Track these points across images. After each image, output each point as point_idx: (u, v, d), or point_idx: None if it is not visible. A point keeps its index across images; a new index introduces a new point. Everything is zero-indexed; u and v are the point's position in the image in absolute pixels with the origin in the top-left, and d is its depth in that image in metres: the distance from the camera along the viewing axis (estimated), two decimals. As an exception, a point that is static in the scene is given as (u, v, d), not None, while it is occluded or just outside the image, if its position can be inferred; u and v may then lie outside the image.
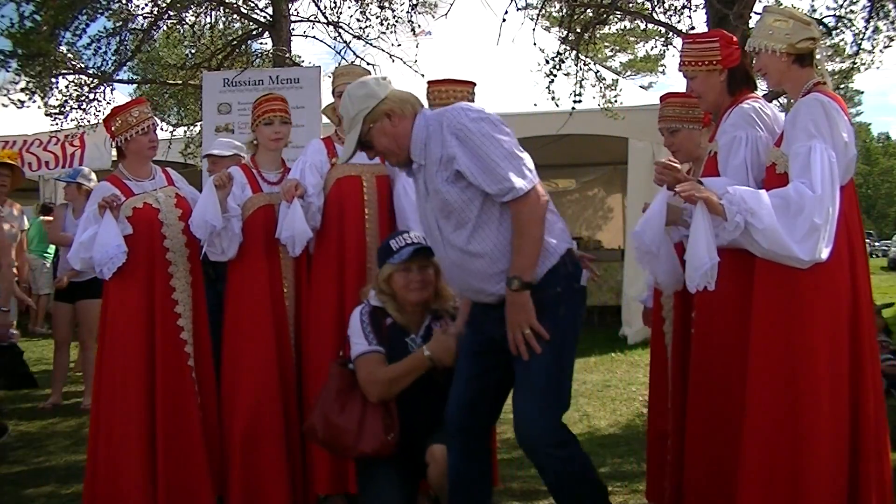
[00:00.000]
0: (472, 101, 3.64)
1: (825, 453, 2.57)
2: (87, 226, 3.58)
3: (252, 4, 7.66)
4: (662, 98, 3.52)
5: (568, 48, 7.02)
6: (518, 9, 6.93)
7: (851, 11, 6.67)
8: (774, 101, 5.10)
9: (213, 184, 3.59)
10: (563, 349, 2.77)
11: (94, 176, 6.14)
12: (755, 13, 5.91)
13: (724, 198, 2.58)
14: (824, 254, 2.56)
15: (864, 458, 2.64)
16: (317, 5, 7.74)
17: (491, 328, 2.84)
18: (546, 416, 2.73)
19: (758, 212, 2.54)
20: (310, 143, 3.91)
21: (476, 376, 2.91)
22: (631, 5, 7.61)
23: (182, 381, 3.64)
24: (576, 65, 7.10)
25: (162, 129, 9.20)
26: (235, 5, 7.59)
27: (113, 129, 3.74)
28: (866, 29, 6.58)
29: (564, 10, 7.34)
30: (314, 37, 8.66)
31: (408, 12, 7.46)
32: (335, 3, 7.76)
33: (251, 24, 7.78)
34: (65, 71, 7.08)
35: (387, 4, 7.46)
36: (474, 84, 3.82)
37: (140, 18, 7.42)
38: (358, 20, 7.63)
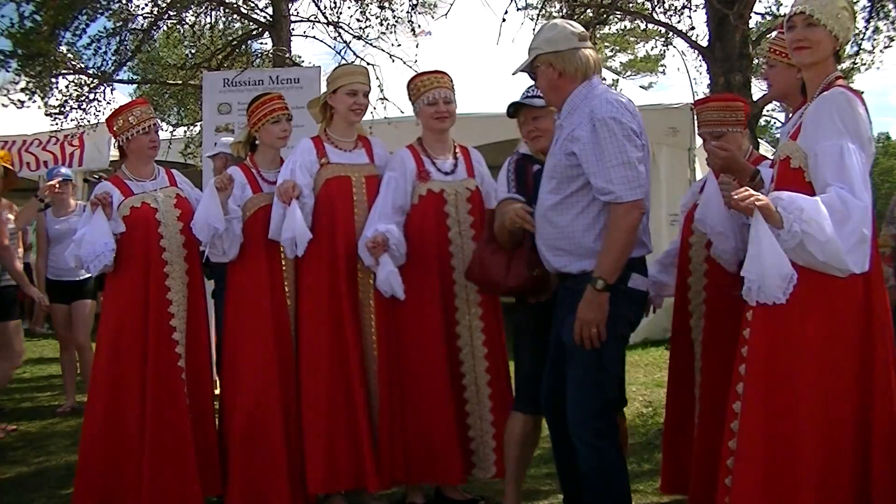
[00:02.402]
0: (453, 90, 3.86)
1: (810, 457, 2.49)
2: (84, 223, 3.60)
3: (252, 4, 7.65)
4: (699, 102, 3.53)
5: (568, 48, 7.00)
6: (518, 9, 6.92)
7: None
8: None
9: (214, 186, 3.60)
10: (603, 344, 2.92)
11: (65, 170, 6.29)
12: (755, 13, 5.91)
13: (778, 205, 2.44)
14: (868, 264, 2.48)
15: (876, 461, 2.55)
16: (317, 5, 7.73)
17: (557, 326, 3.10)
18: (584, 408, 2.95)
19: (820, 222, 2.40)
20: (299, 142, 3.90)
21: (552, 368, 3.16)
22: (631, 5, 7.60)
23: (170, 381, 3.64)
24: (576, 65, 7.07)
25: (162, 129, 9.15)
26: (235, 5, 7.59)
27: (115, 128, 3.77)
28: (866, 29, 6.56)
29: (564, 11, 7.32)
30: (314, 37, 8.63)
31: (408, 12, 7.45)
32: (335, 3, 7.75)
33: (251, 24, 7.77)
34: (65, 71, 7.07)
35: (387, 4, 7.44)
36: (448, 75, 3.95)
37: (140, 18, 7.40)
38: (358, 20, 7.61)
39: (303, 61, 8.01)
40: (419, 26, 8.00)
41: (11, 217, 5.53)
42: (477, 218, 3.84)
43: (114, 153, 9.36)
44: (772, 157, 3.24)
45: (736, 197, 2.49)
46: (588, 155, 2.88)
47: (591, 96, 2.95)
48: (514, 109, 3.55)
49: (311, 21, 7.89)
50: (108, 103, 7.20)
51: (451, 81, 3.92)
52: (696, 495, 3.39)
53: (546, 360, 3.24)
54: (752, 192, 2.50)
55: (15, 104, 6.92)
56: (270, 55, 7.52)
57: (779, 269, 2.44)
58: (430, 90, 3.81)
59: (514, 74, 3.22)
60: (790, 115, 2.97)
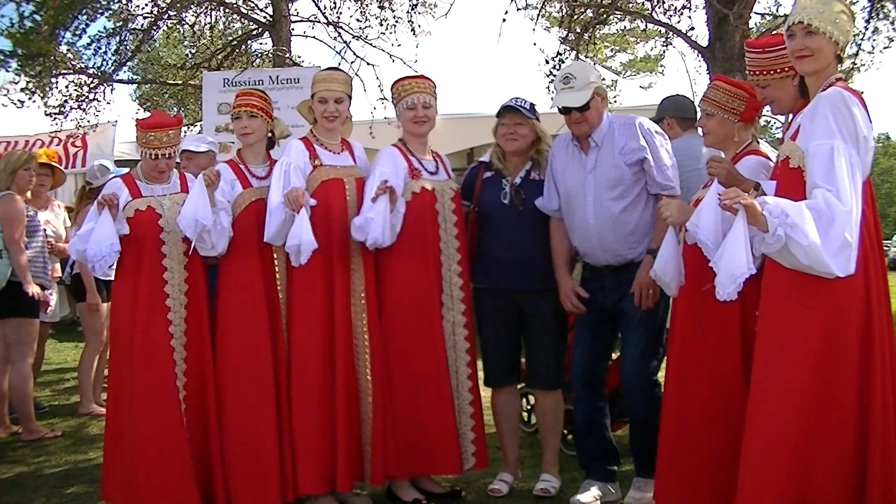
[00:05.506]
0: (435, 94, 3.93)
1: (784, 459, 2.50)
2: (91, 219, 3.61)
3: (252, 4, 7.67)
4: (714, 79, 3.50)
5: (568, 48, 7.04)
6: (518, 9, 6.93)
7: (851, 12, 6.67)
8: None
9: (202, 182, 3.57)
10: (658, 312, 3.59)
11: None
12: (755, 13, 5.92)
13: (763, 209, 2.46)
14: (853, 267, 2.48)
15: (871, 461, 2.53)
16: (317, 5, 7.75)
17: (603, 298, 3.66)
18: (650, 363, 3.60)
19: (802, 227, 2.42)
20: (289, 143, 3.88)
21: (592, 343, 3.74)
22: (631, 5, 7.62)
23: (165, 388, 3.61)
24: (576, 65, 7.11)
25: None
26: (235, 5, 7.61)
27: None
28: (866, 29, 6.58)
29: (564, 10, 7.34)
30: (314, 37, 8.63)
31: (408, 12, 7.47)
32: (335, 3, 7.78)
33: (251, 24, 7.80)
34: (65, 71, 7.10)
35: (387, 4, 7.47)
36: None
37: (140, 18, 7.43)
38: (358, 20, 7.65)
39: (303, 61, 8.04)
40: (419, 26, 8.02)
41: (62, 210, 5.40)
42: (459, 218, 3.90)
43: (117, 153, 9.38)
44: (765, 150, 3.27)
45: (722, 196, 2.53)
46: (652, 162, 3.57)
47: (622, 117, 3.64)
48: (502, 111, 3.88)
49: (311, 21, 7.92)
50: (107, 103, 7.23)
51: (434, 86, 3.94)
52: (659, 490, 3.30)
53: (580, 338, 3.76)
54: (739, 192, 2.53)
55: (15, 104, 6.93)
56: (270, 55, 7.54)
57: (731, 268, 2.50)
58: (410, 95, 3.84)
59: (581, 110, 3.56)
60: (790, 118, 2.97)
